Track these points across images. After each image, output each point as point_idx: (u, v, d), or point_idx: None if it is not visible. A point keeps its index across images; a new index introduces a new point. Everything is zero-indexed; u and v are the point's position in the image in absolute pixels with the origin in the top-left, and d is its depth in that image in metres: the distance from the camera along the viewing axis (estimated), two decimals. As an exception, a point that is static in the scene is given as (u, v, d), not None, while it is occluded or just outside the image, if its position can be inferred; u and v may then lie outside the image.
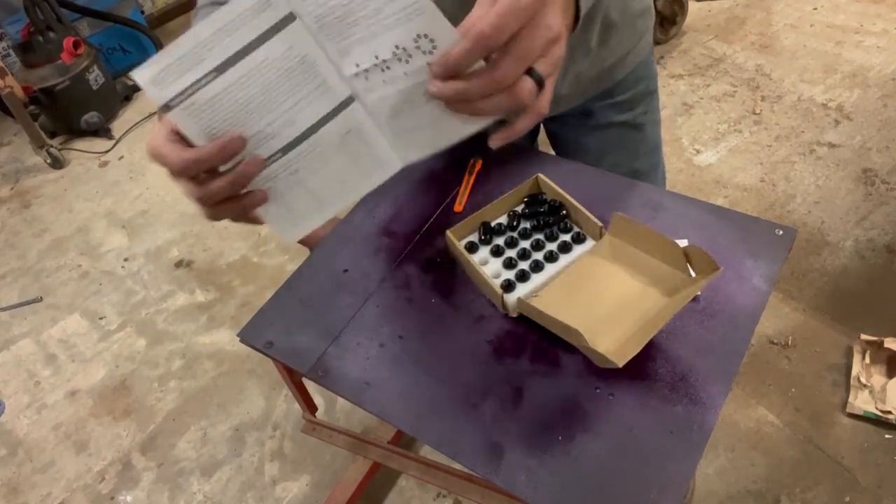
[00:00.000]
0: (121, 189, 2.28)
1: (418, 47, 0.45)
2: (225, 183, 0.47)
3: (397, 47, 0.45)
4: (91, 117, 2.44)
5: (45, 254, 2.08)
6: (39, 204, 2.28)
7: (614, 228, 0.68)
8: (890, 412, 1.28)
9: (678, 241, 0.64)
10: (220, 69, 0.45)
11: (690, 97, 2.20)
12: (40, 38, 2.31)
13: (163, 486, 1.44)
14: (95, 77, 2.44)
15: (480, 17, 0.41)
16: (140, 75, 0.44)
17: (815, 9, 2.45)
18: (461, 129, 0.50)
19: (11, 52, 2.43)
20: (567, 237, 0.71)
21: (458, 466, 0.66)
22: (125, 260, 2.01)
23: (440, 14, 0.43)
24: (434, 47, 0.44)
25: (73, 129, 2.51)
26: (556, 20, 0.43)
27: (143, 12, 2.86)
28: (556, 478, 0.55)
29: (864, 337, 1.39)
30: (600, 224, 0.69)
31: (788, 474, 1.27)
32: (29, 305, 1.91)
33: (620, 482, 0.54)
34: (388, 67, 0.46)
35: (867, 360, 1.37)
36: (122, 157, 2.42)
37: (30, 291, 1.95)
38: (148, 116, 2.55)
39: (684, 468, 0.54)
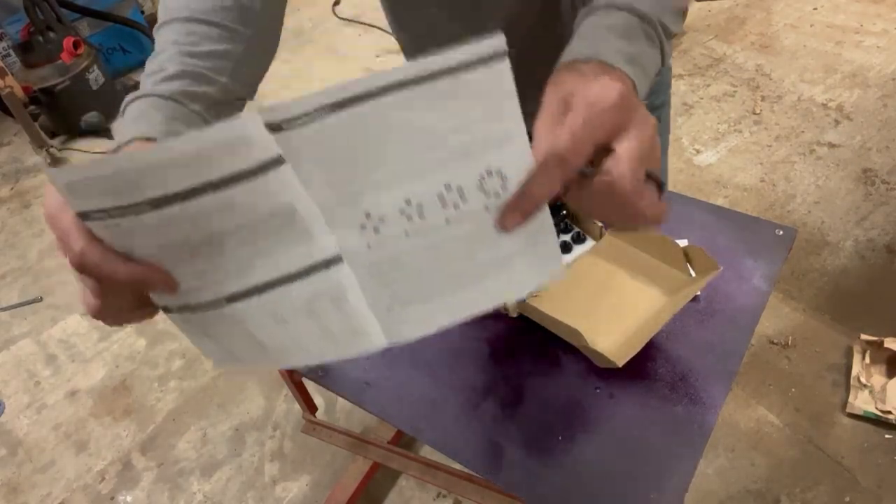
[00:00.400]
0: (121, 189, 2.28)
1: (481, 187, 0.36)
2: (125, 270, 0.36)
3: (448, 186, 0.36)
4: (91, 117, 2.44)
5: (45, 254, 2.07)
6: (39, 204, 2.28)
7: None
8: (890, 412, 1.28)
9: (678, 241, 0.64)
10: (158, 204, 0.34)
11: (690, 97, 2.20)
12: (40, 38, 2.31)
13: (163, 486, 1.44)
14: (95, 77, 2.44)
15: (554, 135, 0.35)
16: (56, 175, 0.34)
17: (815, 9, 2.45)
18: (480, 302, 0.40)
19: (11, 52, 2.43)
20: (567, 237, 0.71)
21: (458, 466, 0.66)
22: (125, 260, 2.01)
23: (528, 143, 0.36)
24: (503, 187, 0.36)
25: (73, 129, 2.51)
26: (648, 114, 0.38)
27: (143, 12, 2.86)
28: (556, 478, 0.55)
29: (864, 337, 1.39)
30: (600, 224, 0.69)
31: (788, 474, 1.27)
32: (29, 305, 1.91)
33: (620, 482, 0.54)
34: (421, 215, 0.37)
35: (867, 360, 1.37)
36: (122, 157, 2.42)
37: (30, 291, 1.95)
38: (148, 116, 2.55)
39: (684, 468, 0.54)
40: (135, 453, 1.51)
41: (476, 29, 0.57)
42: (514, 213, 0.37)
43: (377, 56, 2.69)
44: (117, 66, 2.74)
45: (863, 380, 1.34)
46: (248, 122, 0.34)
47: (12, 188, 2.38)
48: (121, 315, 0.40)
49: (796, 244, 0.70)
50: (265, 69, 0.58)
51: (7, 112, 2.29)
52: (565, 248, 0.70)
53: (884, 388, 1.31)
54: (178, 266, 0.37)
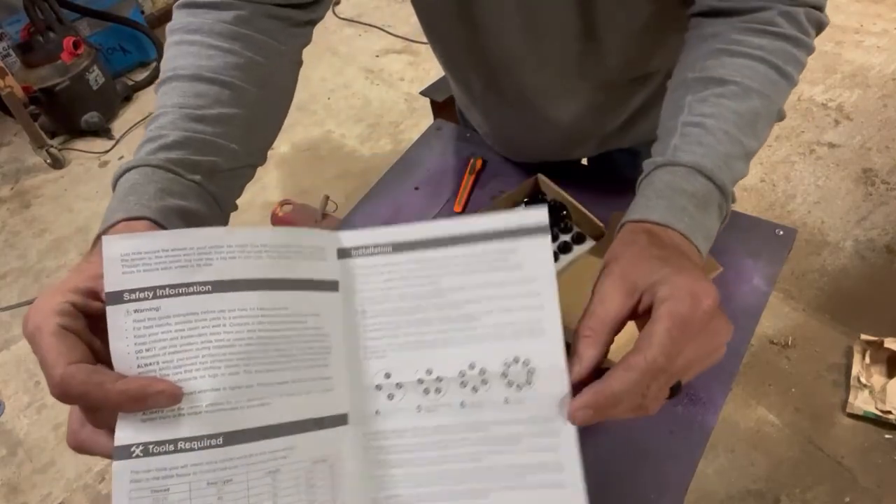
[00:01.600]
0: (121, 189, 2.28)
1: (505, 375, 0.35)
2: (116, 389, 0.31)
3: (473, 366, 0.35)
4: (91, 117, 2.44)
5: (45, 254, 2.08)
6: (39, 204, 2.28)
7: (614, 228, 0.68)
8: (890, 412, 1.28)
9: (678, 241, 0.63)
10: (220, 287, 0.33)
11: (690, 97, 2.20)
12: (40, 38, 2.31)
13: (163, 486, 1.44)
14: (95, 77, 2.44)
15: (648, 344, 0.33)
16: (111, 245, 0.33)
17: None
18: None
19: (11, 52, 2.43)
20: (567, 237, 0.71)
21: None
22: (125, 260, 2.01)
23: (561, 336, 0.35)
24: (528, 381, 0.35)
25: (73, 129, 2.51)
26: (725, 324, 0.35)
27: (143, 12, 2.86)
28: (556, 478, 0.55)
29: (864, 337, 1.39)
30: (600, 224, 0.69)
31: (788, 474, 1.27)
32: (29, 305, 1.91)
33: (620, 482, 0.54)
34: (438, 390, 0.35)
35: (867, 360, 1.37)
36: (121, 157, 2.42)
37: (30, 291, 1.95)
38: (148, 116, 2.55)
39: (684, 468, 0.54)
40: (135, 453, 1.51)
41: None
42: (586, 409, 0.33)
43: (377, 56, 2.69)
44: (117, 66, 2.74)
45: (863, 380, 1.34)
46: (330, 238, 0.37)
47: (12, 188, 2.38)
48: (103, 444, 0.33)
49: (796, 244, 0.70)
50: (277, 131, 0.53)
51: (7, 112, 2.29)
52: (565, 248, 0.70)
53: (884, 388, 1.31)
54: (193, 374, 0.32)
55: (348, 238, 0.38)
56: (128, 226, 0.38)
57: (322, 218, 1.80)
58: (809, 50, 0.50)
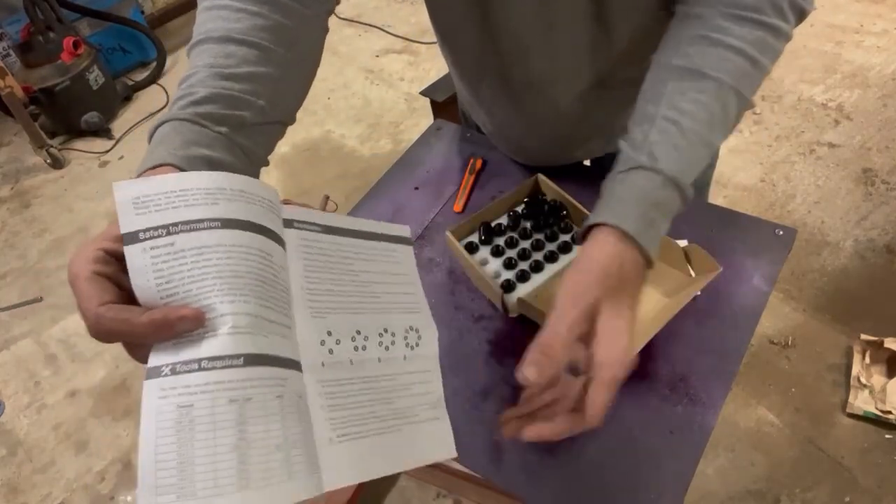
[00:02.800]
0: (121, 189, 2.28)
1: (405, 338, 0.45)
2: (142, 322, 0.34)
3: (386, 330, 0.45)
4: (91, 117, 2.44)
5: (45, 254, 2.08)
6: (39, 204, 2.28)
7: None
8: (890, 412, 1.28)
9: (678, 241, 0.64)
10: (228, 224, 0.36)
11: (690, 97, 2.20)
12: (40, 38, 2.31)
13: (163, 486, 1.44)
14: (95, 77, 2.44)
15: (595, 401, 0.45)
16: (122, 190, 0.35)
17: (815, 9, 2.45)
18: (402, 455, 0.42)
19: (11, 52, 2.43)
20: (567, 237, 0.71)
21: (458, 466, 0.66)
22: (125, 260, 2.01)
23: (429, 314, 0.48)
24: (417, 343, 0.46)
25: (73, 129, 2.51)
26: (629, 350, 0.46)
27: (143, 12, 2.86)
28: (556, 478, 0.55)
29: (864, 337, 1.39)
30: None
31: (788, 474, 1.27)
32: (29, 305, 1.91)
33: (620, 482, 0.54)
34: (365, 347, 0.43)
35: (867, 360, 1.37)
36: (122, 157, 2.42)
37: (30, 291, 1.95)
38: (148, 116, 2.55)
39: (684, 468, 0.54)
40: (135, 453, 1.51)
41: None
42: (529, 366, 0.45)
43: (377, 56, 2.69)
44: (117, 66, 2.74)
45: (863, 380, 1.34)
46: (276, 204, 0.41)
47: (12, 188, 2.38)
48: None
49: (796, 244, 0.70)
50: (305, 93, 0.55)
51: (7, 112, 2.29)
52: (565, 247, 0.70)
53: (884, 388, 1.31)
54: (209, 301, 0.35)
55: (288, 211, 0.42)
56: (152, 173, 0.40)
57: (322, 218, 1.80)
58: (787, 38, 0.53)
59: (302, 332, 0.39)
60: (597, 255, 0.47)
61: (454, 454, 0.45)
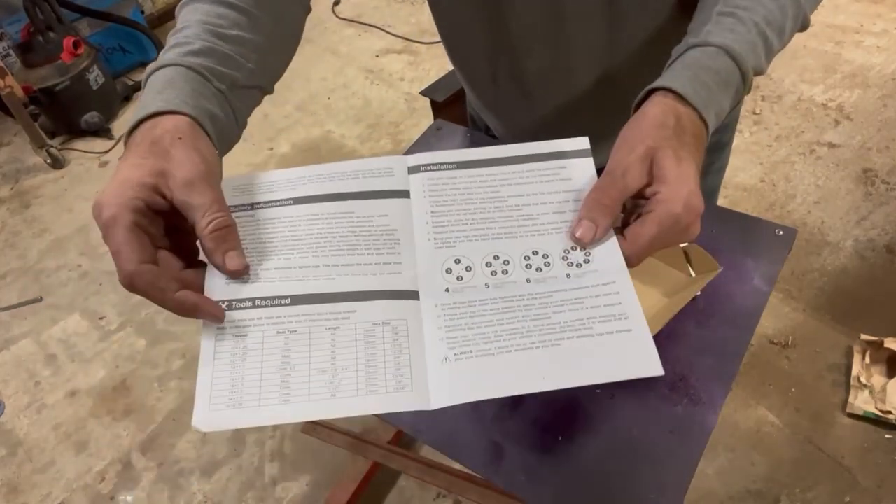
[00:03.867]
0: (121, 189, 2.28)
1: (565, 258, 0.42)
2: (174, 299, 0.37)
3: (536, 252, 0.42)
4: (91, 117, 2.44)
5: (45, 254, 2.07)
6: (39, 204, 2.28)
7: None
8: (890, 412, 1.28)
9: (678, 241, 0.63)
10: (298, 200, 0.44)
11: (690, 97, 2.20)
12: (40, 38, 2.31)
13: (163, 486, 1.44)
14: (95, 77, 2.43)
15: (640, 234, 0.40)
16: (230, 180, 0.44)
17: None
18: (544, 373, 0.38)
19: (11, 52, 2.43)
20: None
21: (458, 466, 0.66)
22: (125, 260, 2.00)
23: (615, 239, 0.41)
24: (586, 260, 0.41)
25: (73, 129, 2.50)
26: (699, 201, 0.41)
27: (143, 12, 2.86)
28: (556, 478, 0.55)
29: (864, 337, 1.39)
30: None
31: (788, 474, 1.27)
32: (29, 305, 1.91)
33: (620, 482, 0.54)
34: (505, 271, 0.41)
35: (867, 360, 1.37)
36: (122, 157, 2.42)
37: (30, 291, 1.95)
38: (148, 116, 2.55)
39: (684, 468, 0.54)
40: (135, 453, 1.51)
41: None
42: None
43: (377, 56, 2.69)
44: (117, 66, 2.74)
45: (863, 380, 1.34)
46: (398, 160, 0.46)
47: (12, 188, 2.38)
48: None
49: (796, 244, 0.70)
50: (286, 64, 0.56)
51: (7, 112, 2.29)
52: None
53: (884, 388, 1.31)
54: (271, 257, 0.42)
55: (415, 158, 0.46)
56: (173, 119, 0.41)
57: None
58: None
59: (422, 264, 0.42)
60: (649, 109, 0.43)
61: (658, 370, 0.38)
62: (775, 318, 1.52)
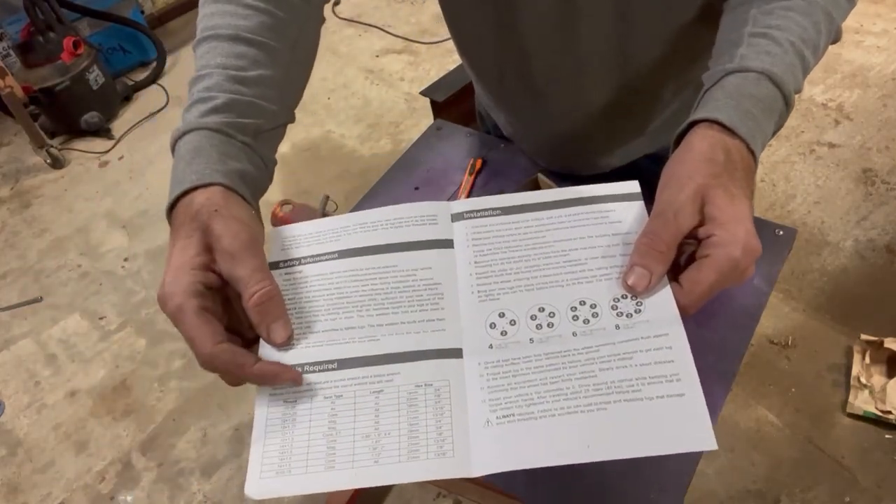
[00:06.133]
0: (121, 189, 2.28)
1: (615, 307, 0.39)
2: (253, 373, 0.40)
3: (583, 302, 0.40)
4: (91, 117, 2.44)
5: (45, 254, 2.07)
6: (39, 204, 2.28)
7: None
8: (890, 412, 1.28)
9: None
10: (342, 254, 0.44)
11: (690, 97, 2.20)
12: (40, 38, 2.31)
13: (163, 486, 1.44)
14: (95, 77, 2.43)
15: (699, 280, 0.38)
16: (279, 231, 0.46)
17: None
18: (588, 439, 0.35)
19: (11, 52, 2.43)
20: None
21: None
22: (125, 260, 2.01)
23: (668, 287, 0.39)
24: (637, 310, 0.39)
25: (73, 129, 2.50)
26: (757, 242, 0.38)
27: (143, 12, 2.86)
28: (556, 478, 0.55)
29: (864, 337, 1.39)
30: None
31: (788, 474, 1.27)
32: (29, 305, 1.91)
33: (620, 482, 0.54)
34: (551, 324, 0.40)
35: (867, 360, 1.37)
36: (122, 157, 2.42)
37: (30, 291, 1.95)
38: (148, 116, 2.55)
39: (684, 468, 0.54)
40: (135, 453, 1.51)
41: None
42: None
43: (377, 56, 2.69)
44: (117, 66, 2.74)
45: (863, 380, 1.34)
46: (442, 207, 0.46)
47: (12, 188, 2.38)
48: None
49: (796, 244, 0.70)
50: (303, 89, 0.56)
51: (7, 112, 2.29)
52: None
53: (884, 388, 1.31)
54: (318, 318, 0.42)
55: (460, 205, 0.46)
56: (206, 192, 0.42)
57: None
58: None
59: (466, 319, 0.41)
60: (697, 143, 0.41)
61: (713, 445, 0.34)
62: (775, 318, 1.52)
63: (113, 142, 2.48)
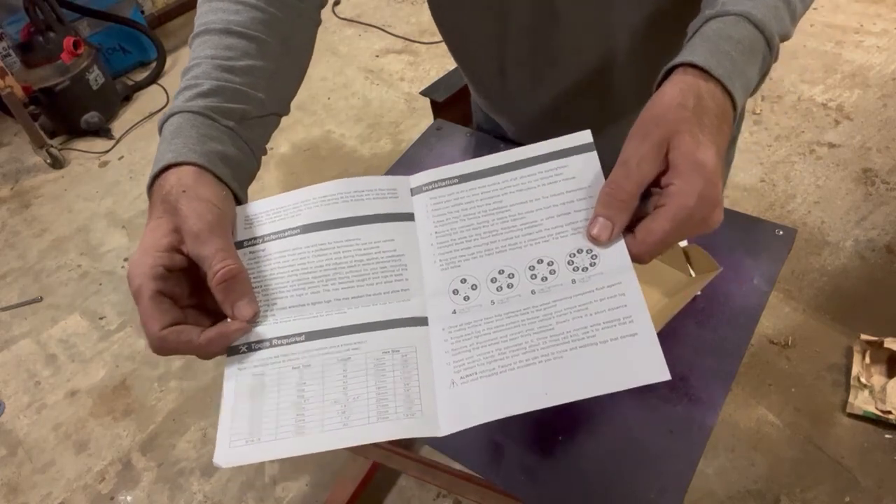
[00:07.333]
0: (121, 189, 2.28)
1: (571, 262, 0.40)
2: (201, 343, 0.40)
3: (541, 261, 0.41)
4: (91, 117, 2.44)
5: (45, 254, 2.07)
6: (39, 204, 2.28)
7: None
8: (890, 412, 1.28)
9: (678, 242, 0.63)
10: (304, 229, 0.44)
11: (690, 97, 2.20)
12: (40, 38, 2.31)
13: (163, 486, 1.44)
14: (95, 77, 2.43)
15: (652, 230, 0.38)
16: (242, 210, 0.46)
17: (815, 9, 2.45)
18: (551, 386, 0.37)
19: (11, 52, 2.43)
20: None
21: (458, 466, 0.66)
22: (125, 260, 2.01)
23: (622, 239, 0.40)
24: (592, 263, 0.40)
25: (73, 129, 2.50)
26: (716, 191, 0.38)
27: (143, 12, 2.86)
28: (556, 478, 0.55)
29: (864, 337, 1.39)
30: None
31: (788, 474, 1.27)
32: (29, 305, 1.91)
33: (620, 482, 0.54)
34: (510, 285, 0.41)
35: (867, 360, 1.37)
36: (122, 157, 2.42)
37: (30, 291, 1.95)
38: (148, 116, 2.55)
39: (684, 468, 0.54)
40: (135, 453, 1.51)
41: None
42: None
43: (377, 56, 2.69)
44: (117, 66, 2.74)
45: (863, 380, 1.34)
46: (401, 181, 0.46)
47: (12, 188, 2.38)
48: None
49: (796, 244, 0.70)
50: (299, 84, 0.57)
51: (7, 112, 2.29)
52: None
53: (884, 388, 1.31)
54: (284, 294, 0.43)
55: (417, 178, 0.46)
56: (176, 172, 0.43)
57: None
58: None
59: (430, 287, 0.42)
60: (668, 89, 0.40)
61: (665, 375, 0.36)
62: (775, 318, 1.52)
63: (113, 142, 2.48)
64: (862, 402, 1.32)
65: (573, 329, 0.38)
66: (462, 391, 0.38)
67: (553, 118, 0.75)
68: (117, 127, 2.56)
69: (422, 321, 0.41)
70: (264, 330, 0.42)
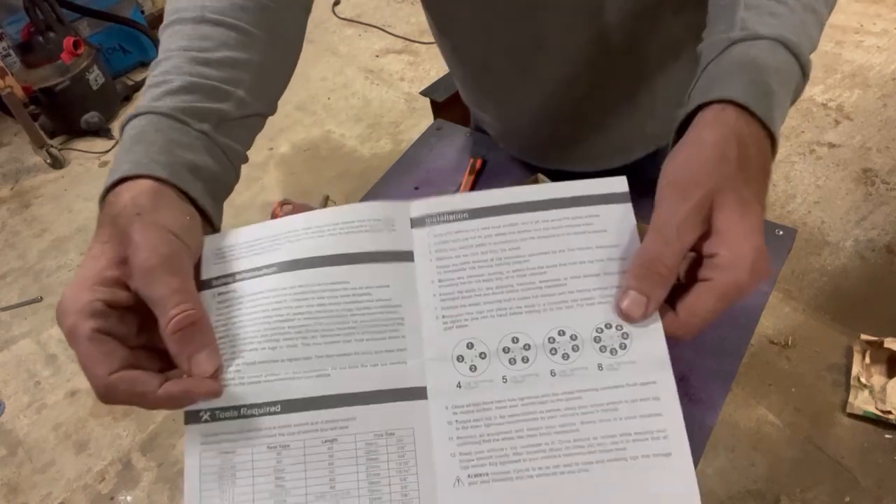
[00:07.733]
0: (121, 189, 2.28)
1: (598, 340, 0.34)
2: (159, 397, 0.33)
3: (562, 332, 0.35)
4: (91, 117, 2.44)
5: (45, 254, 2.07)
6: (39, 204, 2.28)
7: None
8: (890, 412, 1.28)
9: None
10: (284, 267, 0.36)
11: (690, 97, 2.20)
12: (40, 38, 2.31)
13: (163, 486, 1.44)
14: (95, 77, 2.43)
15: (696, 310, 0.33)
16: (210, 242, 0.37)
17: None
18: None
19: (11, 52, 2.43)
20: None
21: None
22: (125, 260, 2.00)
23: (659, 321, 0.34)
24: (623, 346, 0.34)
25: (73, 129, 2.50)
26: (766, 262, 0.33)
27: (143, 12, 2.86)
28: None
29: (864, 337, 1.39)
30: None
31: (788, 474, 1.27)
32: (29, 305, 1.91)
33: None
34: (526, 359, 0.35)
35: (867, 360, 1.37)
36: (121, 158, 2.42)
37: (30, 291, 1.95)
38: (148, 116, 2.55)
39: (684, 468, 0.54)
40: (135, 453, 1.51)
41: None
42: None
43: (377, 56, 2.69)
44: (117, 66, 2.74)
45: (863, 380, 1.34)
46: (400, 208, 0.37)
47: (12, 188, 2.38)
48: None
49: (796, 244, 0.70)
50: (287, 82, 0.50)
51: (7, 112, 2.29)
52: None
53: (884, 388, 1.31)
54: (255, 347, 0.35)
55: (421, 207, 0.38)
56: (133, 187, 0.36)
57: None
58: None
59: (430, 350, 0.35)
60: (707, 135, 0.35)
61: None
62: (775, 318, 1.52)
63: (113, 142, 2.48)
64: (862, 402, 1.32)
65: (601, 436, 0.33)
66: (469, 495, 0.33)
67: (539, 111, 0.71)
68: (117, 127, 2.55)
69: (420, 393, 0.35)
70: (231, 394, 0.34)
